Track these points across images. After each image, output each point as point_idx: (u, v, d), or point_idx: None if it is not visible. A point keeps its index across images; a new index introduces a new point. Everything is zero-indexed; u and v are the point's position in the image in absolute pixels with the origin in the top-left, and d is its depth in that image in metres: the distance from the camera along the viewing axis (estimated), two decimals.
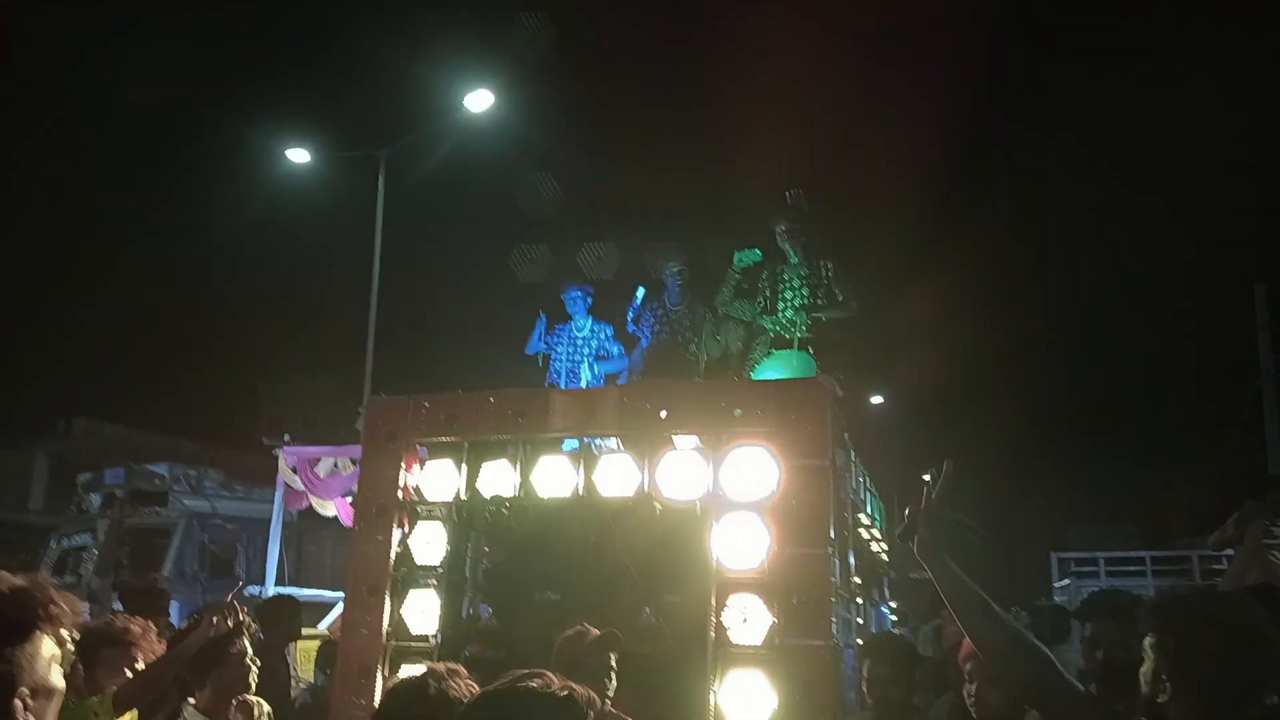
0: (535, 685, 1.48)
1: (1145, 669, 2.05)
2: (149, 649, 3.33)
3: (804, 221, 6.18)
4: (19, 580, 1.64)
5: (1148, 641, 2.06)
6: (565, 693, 1.48)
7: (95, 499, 12.64)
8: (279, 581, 9.61)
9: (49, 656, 1.62)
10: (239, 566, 12.13)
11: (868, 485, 5.70)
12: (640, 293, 6.75)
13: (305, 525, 9.82)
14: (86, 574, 10.97)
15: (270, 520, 13.31)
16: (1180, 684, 1.96)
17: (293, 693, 5.77)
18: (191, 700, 3.46)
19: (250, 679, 3.60)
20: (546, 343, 6.95)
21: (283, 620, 5.79)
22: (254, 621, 3.84)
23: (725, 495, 4.10)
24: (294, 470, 9.02)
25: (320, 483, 8.92)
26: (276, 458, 9.20)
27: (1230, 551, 7.34)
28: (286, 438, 9.39)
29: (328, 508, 9.12)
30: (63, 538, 12.72)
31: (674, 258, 6.93)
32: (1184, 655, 1.97)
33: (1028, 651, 2.07)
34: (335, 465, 8.86)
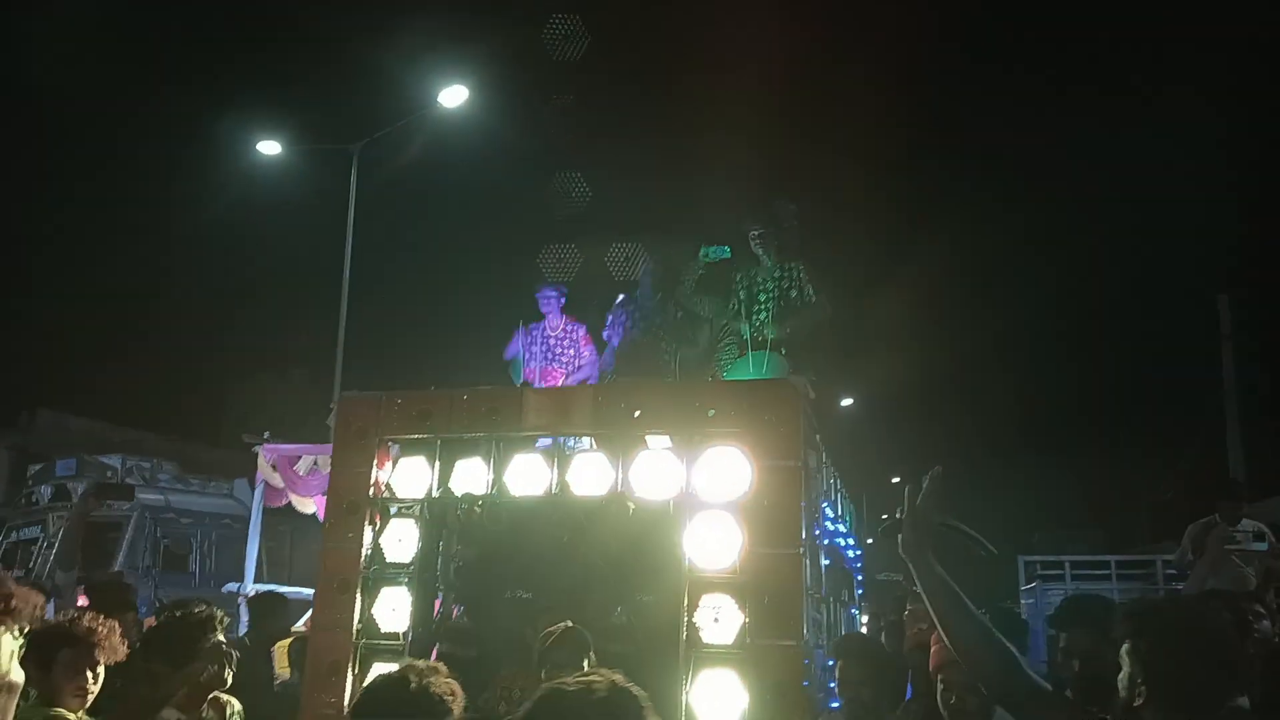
0: (607, 685, 1.62)
1: (1122, 675, 2.09)
2: (112, 650, 3.15)
3: (778, 226, 6.11)
4: None
5: (1124, 648, 2.10)
6: (634, 693, 1.64)
7: (46, 491, 12.29)
8: (244, 578, 9.37)
9: (8, 651, 1.59)
10: (193, 561, 11.90)
11: (838, 486, 5.68)
12: (619, 300, 6.60)
13: (266, 520, 9.76)
14: (37, 567, 10.66)
15: (226, 514, 12.55)
16: (1155, 687, 2.02)
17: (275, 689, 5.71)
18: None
19: (226, 675, 3.50)
20: (524, 346, 7.25)
21: (272, 617, 5.66)
22: (227, 616, 3.74)
23: (698, 495, 4.10)
24: (274, 468, 8.87)
25: (300, 480, 8.85)
26: (253, 454, 8.99)
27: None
28: (266, 435, 9.28)
29: (307, 505, 9.03)
30: (11, 530, 12.32)
31: (647, 255, 6.97)
32: (1158, 660, 2.03)
33: (1000, 651, 2.12)
34: (315, 463, 8.78)
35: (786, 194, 6.36)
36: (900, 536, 2.27)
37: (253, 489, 9.78)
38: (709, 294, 6.46)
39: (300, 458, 9.03)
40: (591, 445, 4.71)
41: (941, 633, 2.26)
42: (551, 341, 6.73)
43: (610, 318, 6.70)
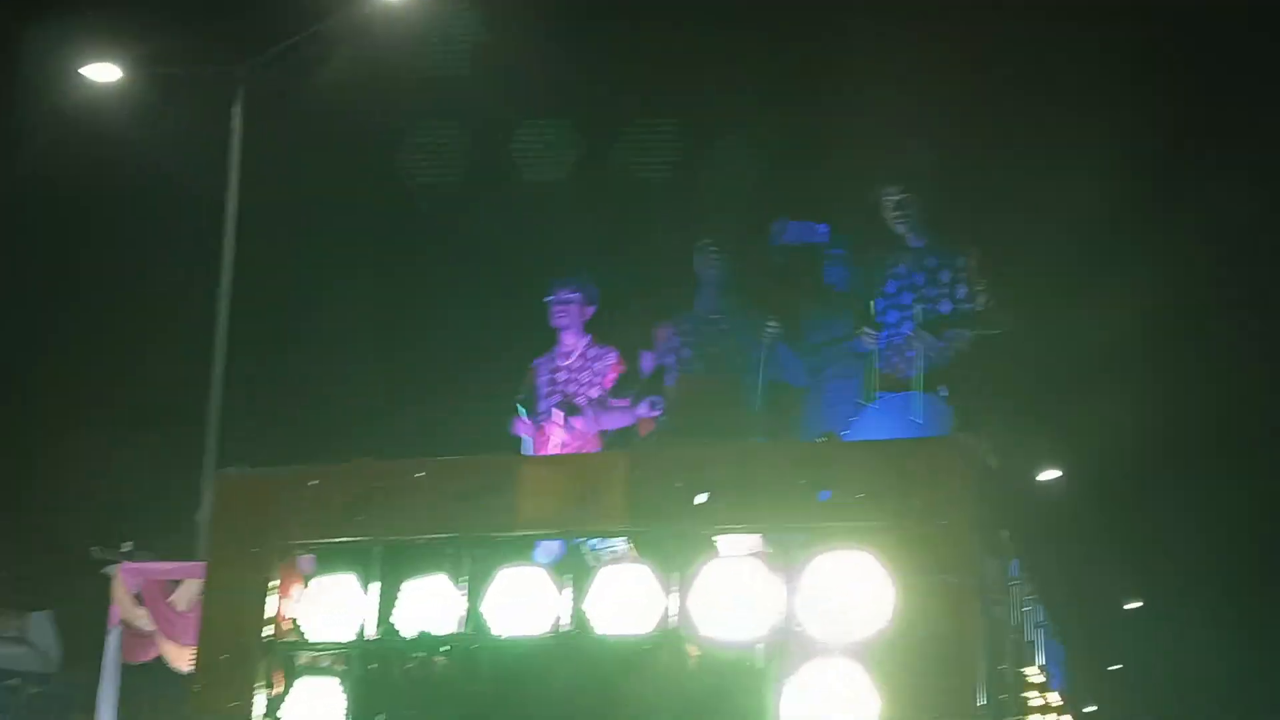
0: None
1: None
2: None
3: (929, 190, 6.06)
4: None
5: None
6: None
7: None
8: None
9: None
10: None
11: (1039, 616, 5.32)
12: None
13: (126, 682, 9.50)
14: None
15: (14, 672, 12.23)
16: None
17: None
18: None
19: None
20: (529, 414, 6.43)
21: None
22: None
23: (804, 632, 3.96)
24: (137, 600, 8.49)
25: (179, 619, 8.36)
26: (108, 580, 8.60)
27: None
28: (127, 546, 8.88)
29: (186, 658, 9.09)
30: None
31: (705, 241, 6.86)
32: None
33: None
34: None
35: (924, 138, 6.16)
36: None
37: (100, 631, 9.91)
38: (806, 296, 6.28)
39: (180, 583, 8.46)
40: (628, 550, 4.54)
41: None
42: (562, 376, 6.47)
43: (661, 340, 6.43)
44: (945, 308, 5.74)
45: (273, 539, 4.34)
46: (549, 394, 6.26)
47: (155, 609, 8.08)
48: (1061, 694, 5.70)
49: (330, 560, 4.40)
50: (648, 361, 6.21)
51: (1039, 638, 5.17)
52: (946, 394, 5.51)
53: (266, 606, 4.30)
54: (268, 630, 4.31)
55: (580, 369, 6.26)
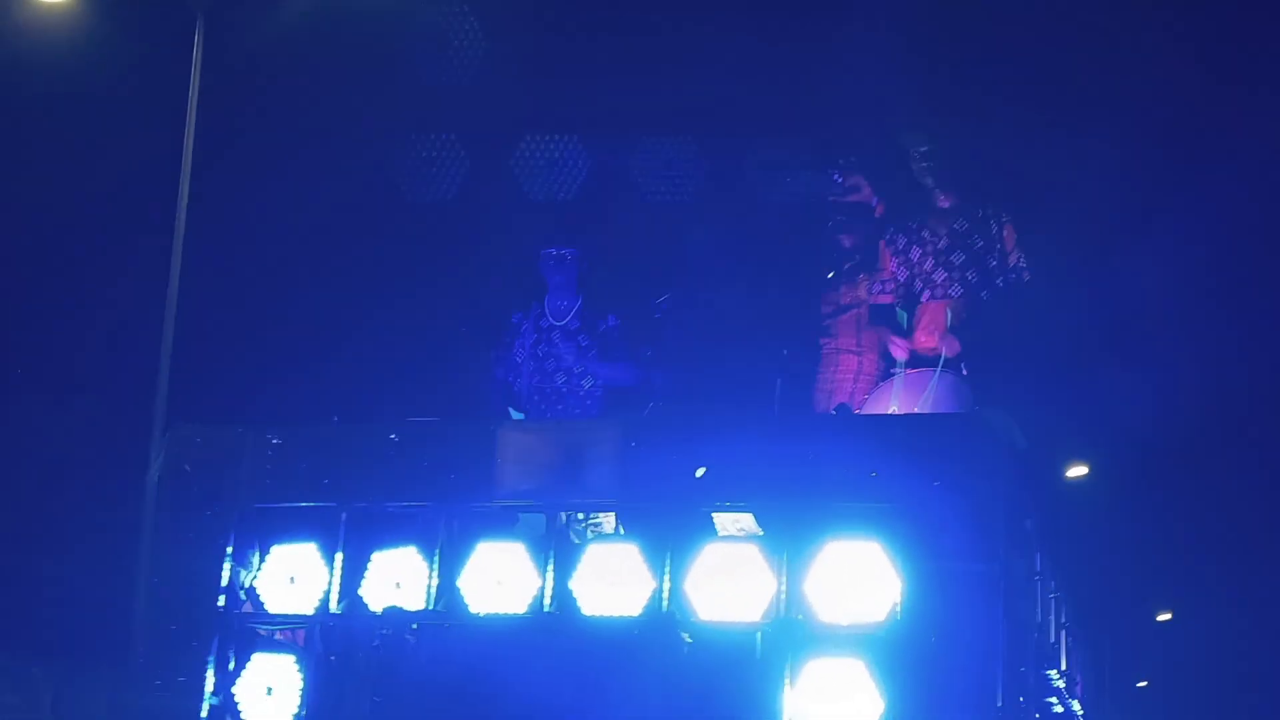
0: None
1: None
2: None
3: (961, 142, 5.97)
4: None
5: None
6: None
7: None
8: None
9: None
10: None
11: (1062, 616, 5.29)
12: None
13: None
14: None
15: None
16: None
17: None
18: None
19: None
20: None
21: None
22: None
23: (810, 619, 4.00)
24: None
25: None
26: None
27: None
28: None
29: None
30: None
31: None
32: None
33: None
34: None
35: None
36: None
37: None
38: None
39: None
40: (617, 528, 4.57)
41: None
42: (555, 338, 6.31)
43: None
44: (985, 273, 5.68)
45: (230, 500, 4.25)
46: (536, 359, 6.16)
47: None
48: (1083, 703, 5.64)
49: (293, 526, 4.25)
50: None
51: (1063, 640, 5.10)
52: (965, 372, 5.44)
53: (221, 574, 4.19)
54: (222, 600, 4.21)
55: (573, 332, 6.14)
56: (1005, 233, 5.58)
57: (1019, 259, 5.55)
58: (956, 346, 5.41)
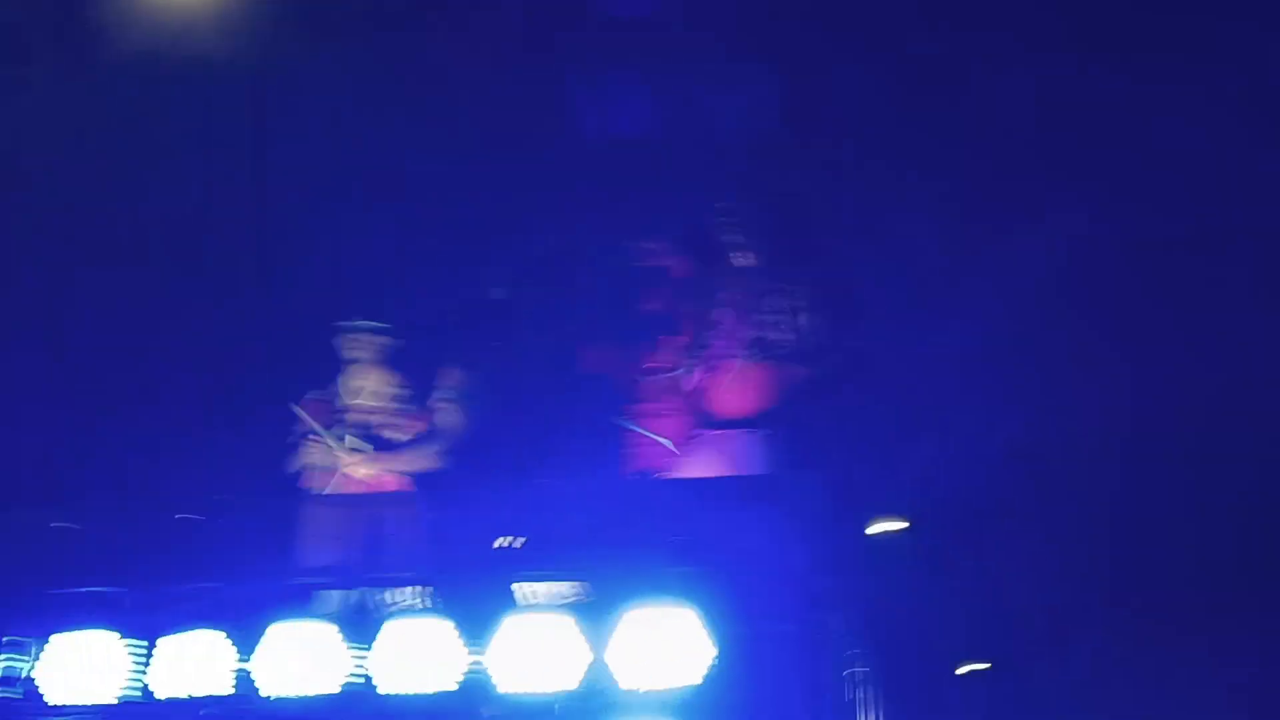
0: None
1: None
2: None
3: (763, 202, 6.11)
4: None
5: None
6: None
7: None
8: None
9: None
10: None
11: (859, 675, 5.45)
12: None
13: None
14: None
15: None
16: None
17: None
18: None
19: None
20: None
21: None
22: None
23: (612, 686, 4.12)
24: None
25: None
26: None
27: None
28: None
29: None
30: None
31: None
32: None
33: None
34: None
35: None
36: None
37: None
38: None
39: None
40: (420, 599, 4.55)
41: None
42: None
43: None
44: (773, 337, 5.76)
45: (4, 586, 4.10)
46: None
47: None
48: None
49: (75, 612, 4.12)
50: None
51: (864, 697, 5.19)
52: (769, 432, 5.52)
53: None
54: None
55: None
56: (806, 292, 5.70)
57: (822, 318, 5.67)
58: (761, 405, 5.45)
